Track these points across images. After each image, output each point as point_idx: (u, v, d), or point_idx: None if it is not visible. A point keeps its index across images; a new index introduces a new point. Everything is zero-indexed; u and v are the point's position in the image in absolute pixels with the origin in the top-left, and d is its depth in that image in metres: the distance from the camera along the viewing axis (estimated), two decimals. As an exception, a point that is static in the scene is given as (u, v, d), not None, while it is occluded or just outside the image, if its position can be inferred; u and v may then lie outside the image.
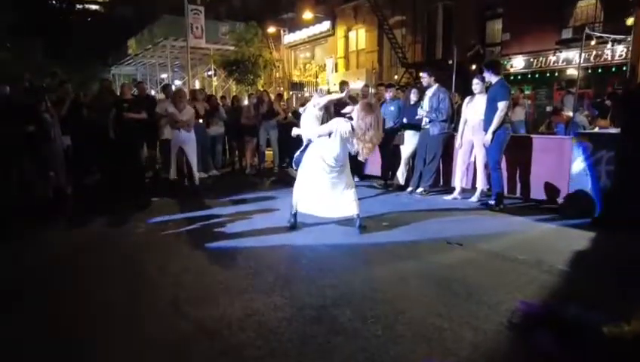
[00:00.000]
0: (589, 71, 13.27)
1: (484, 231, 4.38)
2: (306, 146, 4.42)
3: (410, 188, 6.38)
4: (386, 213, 5.08)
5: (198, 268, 3.38)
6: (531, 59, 14.47)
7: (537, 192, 5.55)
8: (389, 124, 6.71)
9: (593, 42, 10.62)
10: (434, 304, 2.71)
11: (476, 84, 5.60)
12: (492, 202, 5.34)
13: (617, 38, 10.18)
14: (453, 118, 6.27)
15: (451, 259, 3.54)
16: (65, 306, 2.80)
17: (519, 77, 14.63)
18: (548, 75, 14.11)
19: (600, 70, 13.17)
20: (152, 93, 16.34)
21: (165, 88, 7.49)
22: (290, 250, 3.82)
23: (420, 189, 6.25)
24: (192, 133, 6.57)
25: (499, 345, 2.26)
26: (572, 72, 13.63)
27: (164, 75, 26.21)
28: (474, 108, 5.61)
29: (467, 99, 5.80)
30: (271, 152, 9.13)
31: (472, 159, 5.83)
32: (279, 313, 2.59)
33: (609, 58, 13.04)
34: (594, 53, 13.41)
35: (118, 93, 7.97)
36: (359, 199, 4.33)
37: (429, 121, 6.03)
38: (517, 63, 15.02)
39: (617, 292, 2.93)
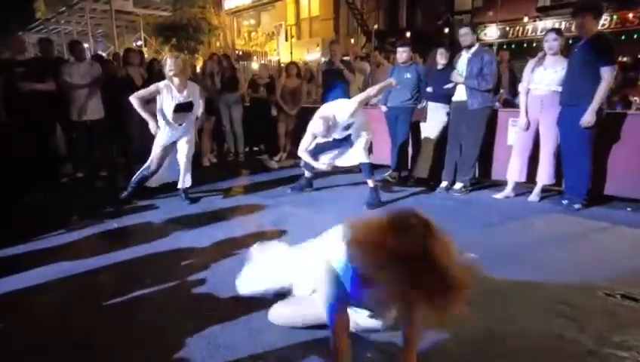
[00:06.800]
0: (570, 42, 12.43)
1: (615, 260, 2.86)
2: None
3: (444, 184, 4.74)
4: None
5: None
6: (507, 28, 13.39)
7: (614, 186, 4.12)
8: (406, 96, 4.97)
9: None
10: None
11: (553, 40, 3.96)
12: (578, 206, 3.85)
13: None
14: (499, 87, 4.70)
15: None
16: None
17: (494, 47, 13.50)
18: (525, 45, 13.08)
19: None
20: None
21: (73, 47, 5.06)
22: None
23: (458, 185, 4.62)
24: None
25: None
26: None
27: (85, 45, 22.42)
28: (544, 75, 4.04)
29: (532, 62, 4.19)
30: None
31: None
32: None
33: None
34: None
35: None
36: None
37: (469, 91, 4.39)
38: (491, 32, 13.90)
39: None
